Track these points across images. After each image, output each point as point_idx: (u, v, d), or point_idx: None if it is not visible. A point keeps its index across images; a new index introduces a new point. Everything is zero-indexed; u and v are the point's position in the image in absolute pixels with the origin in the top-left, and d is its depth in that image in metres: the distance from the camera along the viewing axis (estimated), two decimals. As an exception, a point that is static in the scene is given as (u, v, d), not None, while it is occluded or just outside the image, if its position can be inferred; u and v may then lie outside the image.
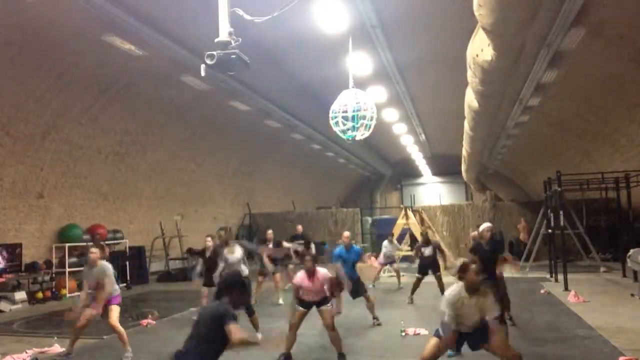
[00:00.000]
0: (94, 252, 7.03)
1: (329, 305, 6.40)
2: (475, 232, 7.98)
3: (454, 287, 4.93)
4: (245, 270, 8.13)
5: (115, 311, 6.94)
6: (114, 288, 7.04)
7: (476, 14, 6.08)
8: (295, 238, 14.42)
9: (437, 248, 11.17)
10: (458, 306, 4.78)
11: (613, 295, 10.86)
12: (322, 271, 6.44)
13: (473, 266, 4.81)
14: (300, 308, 6.49)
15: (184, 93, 13.48)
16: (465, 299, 4.78)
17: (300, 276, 6.45)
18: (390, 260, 13.30)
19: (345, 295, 8.52)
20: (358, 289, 8.56)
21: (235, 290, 3.96)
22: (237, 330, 3.65)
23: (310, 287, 6.36)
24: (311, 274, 6.36)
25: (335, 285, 6.45)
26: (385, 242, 13.38)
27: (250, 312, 7.76)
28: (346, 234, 9.09)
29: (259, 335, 7.62)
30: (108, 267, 7.00)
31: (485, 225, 7.39)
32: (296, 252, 12.01)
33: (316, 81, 14.63)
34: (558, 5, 8.51)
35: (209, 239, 9.21)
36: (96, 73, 11.68)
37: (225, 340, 3.69)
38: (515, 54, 7.26)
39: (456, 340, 4.92)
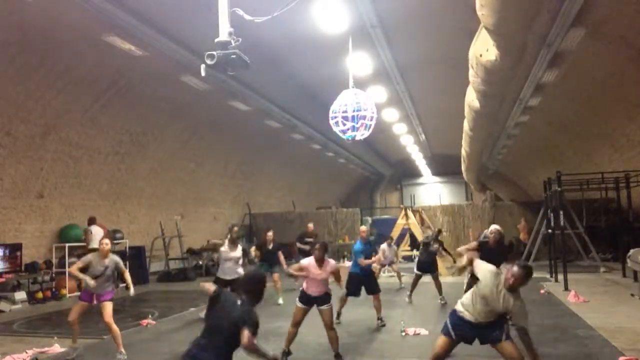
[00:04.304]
0: (107, 243, 7.29)
1: (328, 304, 6.49)
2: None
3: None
4: (241, 270, 8.23)
5: (109, 307, 6.93)
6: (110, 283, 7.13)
7: (478, 13, 6.09)
8: (305, 237, 14.34)
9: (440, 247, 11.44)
10: (495, 283, 4.72)
11: (613, 295, 10.85)
12: (332, 261, 6.60)
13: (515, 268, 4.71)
14: (301, 305, 6.54)
15: (184, 93, 13.48)
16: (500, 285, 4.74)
17: (309, 261, 6.52)
18: (388, 261, 13.15)
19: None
20: (373, 286, 8.68)
21: (258, 290, 3.88)
22: (250, 337, 3.55)
23: (317, 275, 6.43)
24: (320, 263, 6.46)
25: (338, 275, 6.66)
26: (384, 246, 12.80)
27: None
28: (363, 228, 9.26)
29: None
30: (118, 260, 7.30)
31: (493, 227, 7.51)
32: (302, 251, 12.06)
33: (316, 81, 14.62)
34: (558, 5, 8.51)
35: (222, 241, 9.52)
36: (96, 73, 11.68)
37: (238, 342, 3.61)
38: (519, 53, 7.28)
39: (464, 335, 4.92)
